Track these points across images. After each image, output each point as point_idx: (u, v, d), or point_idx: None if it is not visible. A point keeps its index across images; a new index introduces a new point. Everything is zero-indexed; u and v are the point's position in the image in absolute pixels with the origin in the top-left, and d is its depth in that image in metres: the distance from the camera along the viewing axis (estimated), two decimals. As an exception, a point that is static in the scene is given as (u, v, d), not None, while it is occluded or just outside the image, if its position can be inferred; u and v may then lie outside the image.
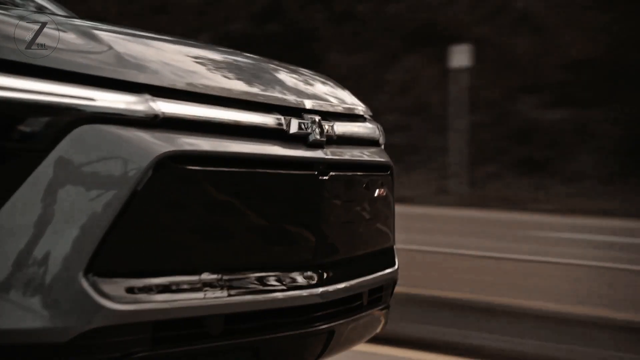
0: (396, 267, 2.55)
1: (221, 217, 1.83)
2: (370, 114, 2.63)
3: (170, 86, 1.81)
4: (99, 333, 1.61)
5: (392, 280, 2.52)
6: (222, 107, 1.89)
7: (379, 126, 2.59)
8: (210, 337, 1.81)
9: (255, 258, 1.92)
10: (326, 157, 2.11)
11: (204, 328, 1.79)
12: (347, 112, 2.42)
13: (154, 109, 1.73)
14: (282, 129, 2.02)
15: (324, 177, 2.08)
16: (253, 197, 1.89)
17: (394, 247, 2.59)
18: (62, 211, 1.59)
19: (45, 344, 1.57)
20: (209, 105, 1.86)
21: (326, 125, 2.16)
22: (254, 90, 2.04)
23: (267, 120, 1.99)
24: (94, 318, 1.59)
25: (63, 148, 1.61)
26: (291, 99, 2.11)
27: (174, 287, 1.72)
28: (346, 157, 2.23)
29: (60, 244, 1.58)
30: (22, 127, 1.59)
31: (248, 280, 1.88)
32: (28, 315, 1.56)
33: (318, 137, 2.10)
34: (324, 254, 2.10)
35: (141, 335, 1.67)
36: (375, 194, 2.37)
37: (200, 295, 1.75)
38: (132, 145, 1.66)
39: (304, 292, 2.01)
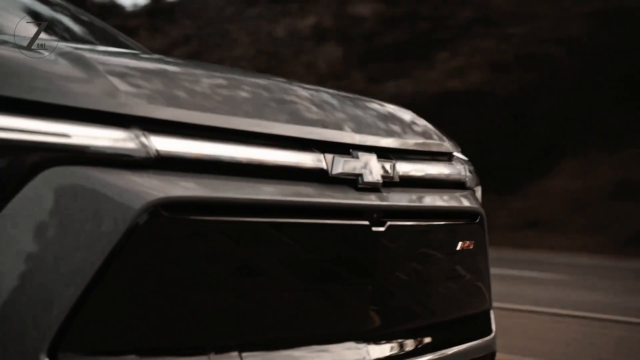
0: (492, 334, 2.13)
1: (235, 282, 1.47)
2: (458, 151, 2.25)
3: (169, 118, 1.47)
4: None
5: (487, 352, 2.10)
6: (238, 143, 1.54)
7: (467, 166, 2.20)
8: None
9: (283, 333, 1.56)
10: (381, 203, 1.73)
11: None
12: (420, 148, 2.01)
13: (145, 147, 1.41)
14: (321, 169, 1.65)
15: (379, 228, 1.70)
16: (279, 255, 1.53)
17: (490, 310, 2.18)
18: (22, 276, 1.28)
19: None
20: (219, 141, 1.52)
21: (387, 165, 1.81)
22: (281, 121, 1.65)
23: (298, 158, 1.63)
24: None
25: (25, 196, 1.29)
26: (335, 132, 1.72)
27: None
28: (412, 203, 1.85)
29: (17, 318, 1.27)
30: None
31: None
32: None
33: (372, 178, 1.73)
34: (379, 324, 1.74)
35: None
36: (458, 247, 1.96)
37: None
38: (114, 192, 1.33)
39: None
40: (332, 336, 1.66)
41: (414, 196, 1.88)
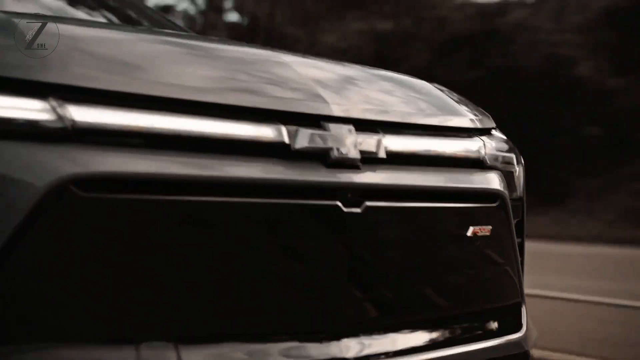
0: (523, 331, 1.91)
1: (166, 268, 1.31)
2: (491, 127, 2.05)
3: (91, 86, 1.33)
4: None
5: (516, 351, 1.88)
6: (173, 114, 1.39)
7: (498, 144, 1.99)
8: None
9: (231, 326, 1.40)
10: (357, 181, 1.54)
11: None
12: (422, 122, 1.81)
13: (61, 118, 1.28)
14: (281, 143, 1.49)
15: (354, 209, 1.52)
16: (216, 238, 1.37)
17: (522, 304, 1.96)
18: None
19: None
20: (151, 112, 1.37)
21: (370, 139, 1.62)
22: (232, 90, 1.51)
23: (249, 130, 1.46)
24: None
25: None
26: (302, 102, 1.56)
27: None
28: (401, 182, 1.64)
29: None
30: None
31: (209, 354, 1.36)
32: None
33: (346, 154, 1.54)
34: (357, 318, 1.56)
35: None
36: (469, 232, 1.75)
37: None
38: (22, 168, 1.20)
39: None
40: (294, 331, 1.48)
41: (406, 174, 1.66)
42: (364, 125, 1.62)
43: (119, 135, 1.31)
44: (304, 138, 1.50)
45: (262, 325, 1.43)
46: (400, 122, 1.73)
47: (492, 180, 1.86)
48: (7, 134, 1.22)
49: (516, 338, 1.87)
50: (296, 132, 1.50)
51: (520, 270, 1.92)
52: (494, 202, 1.82)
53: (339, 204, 1.50)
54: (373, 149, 1.61)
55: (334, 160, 1.52)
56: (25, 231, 1.18)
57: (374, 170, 1.60)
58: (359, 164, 1.57)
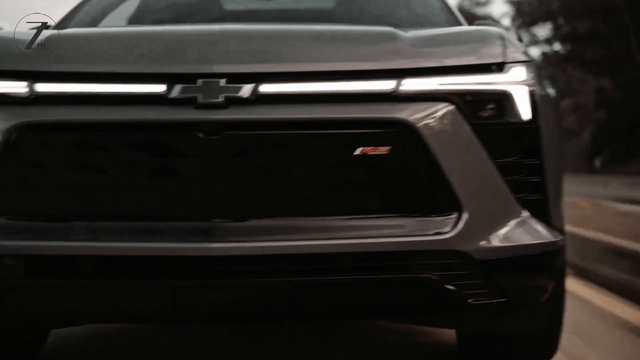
0: (455, 232, 2.21)
1: (80, 174, 2.18)
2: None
3: (48, 70, 2.24)
4: None
5: (443, 248, 2.21)
6: (95, 82, 2.22)
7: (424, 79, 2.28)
8: (81, 274, 2.16)
9: (121, 209, 2.18)
10: (217, 117, 2.15)
11: (74, 266, 2.16)
12: (322, 69, 2.26)
13: (29, 90, 2.20)
14: (161, 95, 2.18)
15: (212, 137, 2.13)
16: (114, 157, 2.16)
17: (461, 211, 2.23)
18: None
19: None
20: (83, 82, 2.22)
21: (241, 87, 2.17)
22: (132, 60, 2.28)
23: (141, 89, 2.21)
24: None
25: None
26: (183, 65, 2.22)
27: (41, 229, 2.17)
28: (269, 115, 2.18)
29: None
30: None
31: (118, 229, 2.17)
32: None
33: (211, 98, 2.16)
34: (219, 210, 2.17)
35: (12, 265, 2.16)
36: (356, 152, 2.18)
37: (66, 237, 2.16)
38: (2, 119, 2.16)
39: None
40: (168, 219, 2.17)
41: (276, 110, 2.18)
42: (236, 77, 2.20)
43: (58, 98, 2.22)
44: (177, 90, 2.17)
45: (146, 212, 2.19)
46: (275, 72, 2.24)
47: (391, 110, 2.22)
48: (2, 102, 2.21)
49: (442, 238, 2.20)
50: (173, 87, 2.18)
51: (459, 182, 2.23)
52: (388, 128, 2.20)
53: (200, 134, 2.14)
54: (239, 94, 2.18)
55: (199, 104, 2.15)
56: (2, 153, 2.15)
57: (238, 109, 2.17)
58: (225, 105, 2.16)
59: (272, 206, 2.17)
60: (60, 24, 3.34)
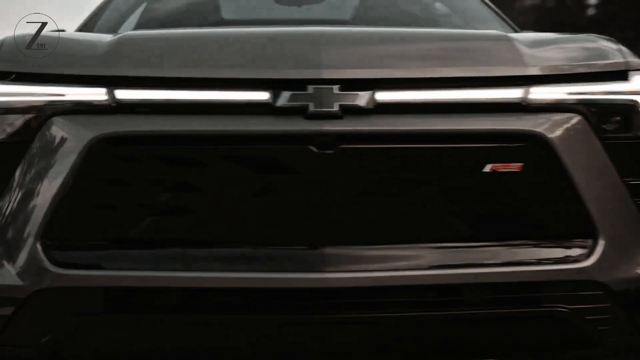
0: (592, 261, 1.99)
1: (169, 194, 1.93)
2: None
3: (130, 75, 1.99)
4: (49, 293, 1.90)
5: (581, 278, 1.99)
6: (184, 89, 1.98)
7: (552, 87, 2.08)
8: (171, 308, 1.93)
9: (226, 239, 1.93)
10: (332, 129, 1.90)
11: (163, 299, 1.92)
12: (451, 74, 2.03)
13: (109, 98, 1.96)
14: (266, 103, 1.94)
15: (328, 151, 1.89)
16: (214, 174, 1.91)
17: (598, 235, 2.02)
18: (29, 187, 1.96)
19: (7, 298, 1.93)
20: (171, 89, 1.98)
21: (358, 95, 1.94)
22: (233, 66, 2.02)
23: (241, 96, 1.97)
24: (44, 279, 1.89)
25: (38, 137, 1.98)
26: (290, 70, 1.98)
27: (123, 257, 1.92)
28: (391, 127, 1.93)
29: (25, 215, 1.94)
30: (20, 124, 2.02)
31: (215, 256, 1.91)
32: (4, 273, 1.95)
33: (326, 108, 1.92)
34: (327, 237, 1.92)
35: (90, 299, 1.91)
36: (487, 169, 1.95)
37: (151, 266, 1.91)
38: (76, 131, 1.93)
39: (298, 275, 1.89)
40: (281, 242, 1.92)
41: (401, 121, 1.95)
42: (351, 83, 1.96)
43: (146, 106, 1.98)
44: (285, 98, 1.93)
45: (247, 237, 1.93)
46: (394, 78, 2.01)
47: (523, 122, 1.99)
48: (77, 111, 1.98)
49: (578, 266, 1.96)
50: (279, 94, 1.93)
51: (594, 204, 2.00)
52: (520, 142, 1.96)
53: (312, 147, 1.88)
54: (355, 103, 1.94)
55: (311, 113, 1.91)
56: (75, 171, 1.90)
57: (355, 120, 1.93)
58: (340, 115, 1.92)
59: (391, 231, 1.93)
60: (82, 30, 3.22)
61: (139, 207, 1.91)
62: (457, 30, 2.62)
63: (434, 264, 1.93)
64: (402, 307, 1.92)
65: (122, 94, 1.97)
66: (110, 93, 1.96)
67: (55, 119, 1.96)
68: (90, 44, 2.12)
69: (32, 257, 1.90)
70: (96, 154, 1.90)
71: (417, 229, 1.94)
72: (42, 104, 1.99)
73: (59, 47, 2.10)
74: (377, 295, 1.91)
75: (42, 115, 1.98)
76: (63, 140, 1.94)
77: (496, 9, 3.56)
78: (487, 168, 1.94)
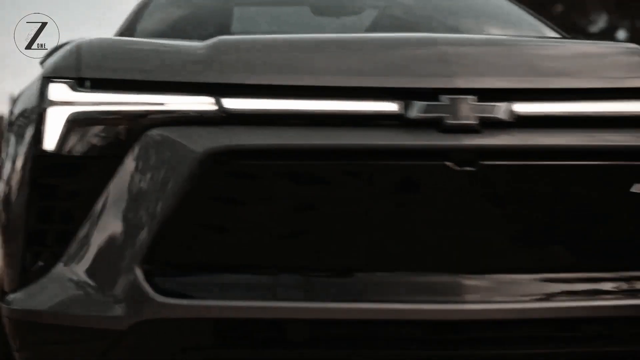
0: None
1: (289, 213, 1.73)
2: None
3: (241, 82, 1.80)
4: (152, 325, 1.69)
5: None
6: (305, 98, 1.80)
7: None
8: (289, 344, 1.73)
9: (353, 264, 1.74)
10: (470, 143, 1.73)
11: (279, 332, 1.73)
12: (581, 85, 1.88)
13: (217, 107, 1.77)
14: (398, 114, 1.77)
15: (468, 168, 1.71)
16: (339, 193, 1.73)
17: None
18: (126, 208, 1.74)
19: (104, 330, 1.72)
20: (289, 97, 1.79)
21: (495, 105, 1.78)
22: (359, 74, 1.84)
23: (370, 106, 1.79)
24: (148, 310, 1.68)
25: (135, 151, 1.77)
26: (422, 78, 1.82)
27: (235, 285, 1.72)
28: (532, 142, 1.76)
29: (121, 238, 1.74)
30: (110, 136, 1.81)
31: (342, 284, 1.73)
32: (90, 301, 1.74)
33: (461, 120, 1.75)
34: (475, 264, 1.74)
35: (198, 332, 1.71)
36: (634, 189, 1.78)
37: (269, 295, 1.71)
38: (183, 145, 1.72)
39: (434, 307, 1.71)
40: (417, 268, 1.74)
41: (541, 136, 1.78)
42: (488, 94, 1.80)
43: (259, 117, 1.78)
44: (418, 109, 1.76)
45: (388, 262, 1.75)
46: (534, 88, 1.85)
47: None
48: (184, 122, 1.78)
49: None
50: (411, 104, 1.77)
51: None
52: None
53: (449, 163, 1.71)
54: (494, 115, 1.78)
55: (447, 126, 1.75)
56: (190, 186, 1.70)
57: (495, 133, 1.77)
58: (478, 128, 1.76)
59: (538, 257, 1.76)
60: (124, 34, 2.96)
61: (253, 229, 1.72)
62: (586, 40, 2.45)
63: (593, 294, 1.75)
64: (555, 342, 1.75)
65: (232, 103, 1.77)
66: (219, 102, 1.77)
67: (155, 131, 1.76)
68: (180, 50, 1.95)
69: (132, 284, 1.69)
70: (207, 170, 1.69)
71: (566, 254, 1.78)
72: (136, 114, 1.79)
73: (146, 53, 1.92)
74: (525, 329, 1.74)
75: (138, 126, 1.77)
76: (166, 154, 1.73)
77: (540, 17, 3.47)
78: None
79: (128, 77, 1.82)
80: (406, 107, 1.76)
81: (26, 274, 1.81)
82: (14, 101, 2.47)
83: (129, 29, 3.01)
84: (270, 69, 1.83)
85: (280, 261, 1.72)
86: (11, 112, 2.25)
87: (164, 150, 1.73)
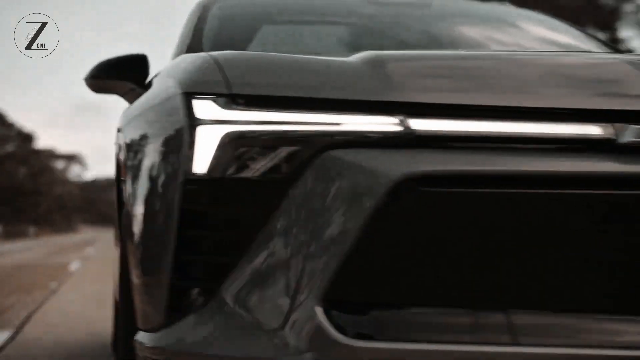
0: None
1: (489, 245, 1.57)
2: None
3: (426, 101, 1.66)
4: None
5: None
6: (498, 120, 1.65)
7: None
8: None
9: (559, 302, 1.58)
10: None
11: None
12: None
13: (405, 128, 1.63)
14: (607, 139, 1.62)
15: None
16: (545, 225, 1.57)
17: None
18: (300, 239, 1.59)
19: None
20: (484, 119, 1.64)
21: None
22: (556, 94, 1.70)
23: (575, 129, 1.64)
24: (329, 353, 1.53)
25: (310, 173, 1.61)
26: (630, 99, 1.68)
27: (429, 325, 1.56)
28: None
29: (296, 272, 1.57)
30: (275, 158, 1.64)
31: (551, 325, 1.56)
32: (254, 343, 1.57)
33: None
34: None
35: None
36: None
37: (470, 337, 1.55)
38: (371, 169, 1.57)
39: None
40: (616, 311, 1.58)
41: None
42: None
43: (451, 140, 1.63)
44: (631, 133, 1.61)
45: (586, 302, 1.59)
46: None
47: None
48: (365, 144, 1.63)
49: None
50: (623, 128, 1.62)
51: None
52: None
53: None
54: None
55: None
56: (380, 214, 1.55)
57: None
58: None
59: None
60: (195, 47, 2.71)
61: (455, 262, 1.56)
62: None
63: None
64: None
65: (420, 124, 1.63)
66: (404, 123, 1.63)
67: (333, 153, 1.61)
68: (330, 65, 1.78)
69: (311, 324, 1.53)
70: (399, 197, 1.54)
71: None
72: (308, 134, 1.63)
73: (297, 68, 1.77)
74: None
75: (310, 148, 1.62)
76: (350, 179, 1.58)
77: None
78: None
79: (288, 94, 1.67)
80: (618, 131, 1.62)
81: (173, 310, 1.64)
82: (124, 122, 2.30)
83: (195, 43, 2.76)
84: (457, 87, 1.70)
85: (478, 298, 1.55)
86: (124, 135, 2.08)
87: (347, 174, 1.58)
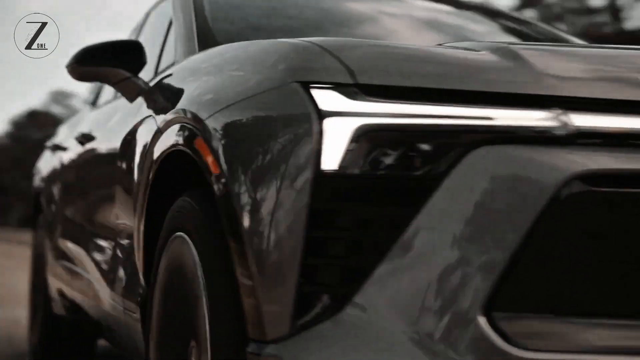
0: None
1: None
2: None
3: (585, 96, 1.58)
4: None
5: None
6: None
7: None
8: None
9: None
10: None
11: None
12: None
13: (565, 124, 1.54)
14: None
15: None
16: None
17: None
18: (454, 242, 1.48)
19: None
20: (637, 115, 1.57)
21: None
22: None
23: None
24: None
25: (459, 172, 1.50)
26: None
27: (602, 336, 1.48)
28: None
29: (452, 278, 1.47)
30: (419, 153, 1.52)
31: None
32: (414, 354, 1.46)
33: None
34: None
35: None
36: None
37: None
38: (537, 167, 1.48)
39: None
40: None
41: None
42: None
43: (612, 137, 1.55)
44: None
45: None
46: None
47: None
48: (524, 140, 1.52)
49: None
50: None
51: None
52: None
53: None
54: None
55: None
56: (545, 216, 1.45)
57: None
58: None
59: None
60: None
61: (626, 268, 1.48)
62: None
63: None
64: None
65: (581, 120, 1.54)
66: (563, 118, 1.54)
67: (488, 150, 1.50)
68: (459, 57, 1.67)
69: (474, 333, 1.44)
70: (570, 197, 1.45)
71: None
72: (456, 129, 1.52)
73: (421, 58, 1.66)
74: None
75: (459, 144, 1.51)
76: (510, 178, 1.48)
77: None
78: None
79: (424, 84, 1.56)
80: None
81: (299, 319, 1.50)
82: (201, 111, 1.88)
83: (203, 29, 2.60)
84: (611, 81, 1.63)
85: None
86: (213, 127, 1.74)
87: (507, 173, 1.48)
